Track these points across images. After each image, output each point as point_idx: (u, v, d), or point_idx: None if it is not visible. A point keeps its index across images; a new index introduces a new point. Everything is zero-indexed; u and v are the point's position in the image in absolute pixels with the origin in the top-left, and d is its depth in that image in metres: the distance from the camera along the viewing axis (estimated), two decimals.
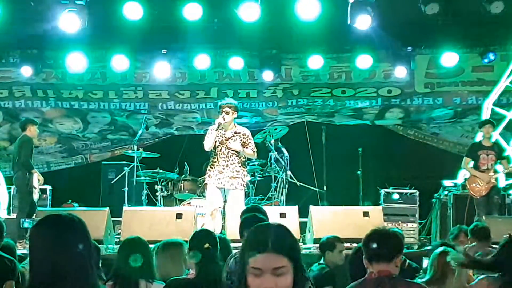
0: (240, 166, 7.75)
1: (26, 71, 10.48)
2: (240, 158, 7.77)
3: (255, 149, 7.92)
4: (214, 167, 7.72)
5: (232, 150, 7.70)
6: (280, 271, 1.96)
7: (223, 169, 7.67)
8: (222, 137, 7.71)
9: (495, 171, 8.76)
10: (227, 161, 7.69)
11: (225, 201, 7.87)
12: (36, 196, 8.63)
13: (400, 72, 10.50)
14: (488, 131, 8.91)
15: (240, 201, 7.71)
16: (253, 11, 8.53)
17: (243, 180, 7.75)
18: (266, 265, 1.95)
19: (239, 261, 2.07)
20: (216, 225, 7.58)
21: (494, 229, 6.49)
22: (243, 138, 7.78)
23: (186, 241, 4.25)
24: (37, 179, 8.60)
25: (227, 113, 7.66)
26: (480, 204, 8.72)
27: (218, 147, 7.71)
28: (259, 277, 1.96)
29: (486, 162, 8.78)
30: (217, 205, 7.71)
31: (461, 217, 8.97)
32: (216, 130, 7.68)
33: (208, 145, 7.70)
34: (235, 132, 7.78)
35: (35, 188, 8.57)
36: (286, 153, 10.06)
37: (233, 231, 6.84)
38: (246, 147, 7.77)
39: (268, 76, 10.54)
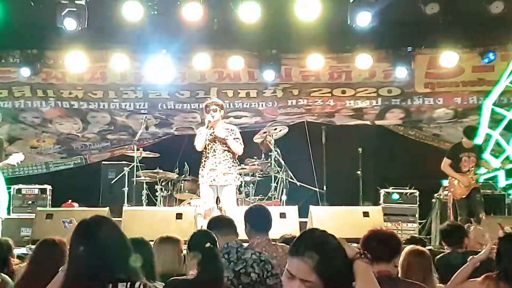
0: (232, 162, 7.80)
1: (26, 71, 10.47)
2: (232, 154, 7.80)
3: (242, 145, 7.85)
4: (205, 166, 7.75)
5: (221, 142, 7.69)
6: None
7: (216, 166, 7.71)
8: (212, 136, 7.74)
9: (477, 173, 8.74)
10: (219, 158, 7.72)
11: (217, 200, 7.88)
12: None
13: (400, 72, 10.50)
14: (467, 142, 8.86)
15: (233, 196, 7.79)
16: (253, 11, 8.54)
17: (235, 175, 7.80)
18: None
19: None
20: None
21: (494, 229, 6.47)
22: (232, 133, 7.78)
23: (186, 241, 4.25)
24: None
25: (215, 110, 7.69)
26: (461, 205, 8.76)
27: (208, 145, 7.74)
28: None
29: (468, 164, 8.77)
30: (211, 205, 7.75)
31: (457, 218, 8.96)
32: (206, 128, 7.67)
33: (199, 145, 7.72)
34: (225, 129, 7.80)
35: None
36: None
37: None
38: (233, 140, 7.73)
39: (269, 75, 10.54)
